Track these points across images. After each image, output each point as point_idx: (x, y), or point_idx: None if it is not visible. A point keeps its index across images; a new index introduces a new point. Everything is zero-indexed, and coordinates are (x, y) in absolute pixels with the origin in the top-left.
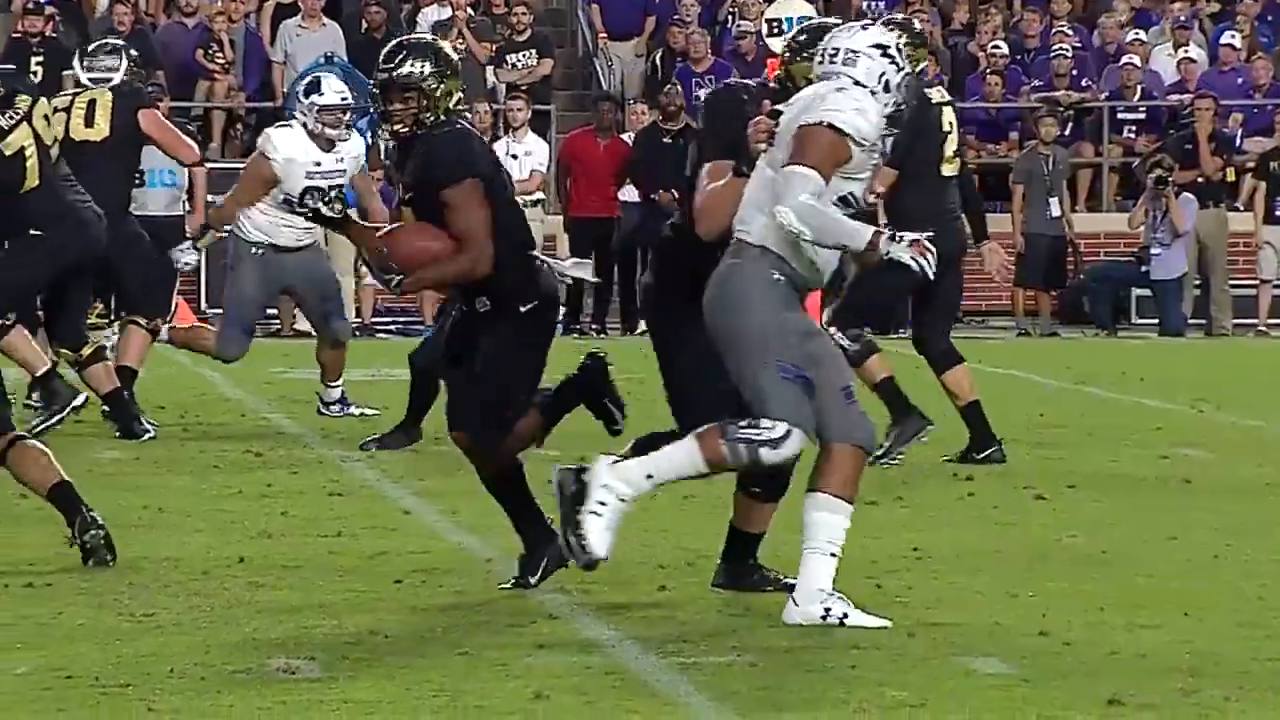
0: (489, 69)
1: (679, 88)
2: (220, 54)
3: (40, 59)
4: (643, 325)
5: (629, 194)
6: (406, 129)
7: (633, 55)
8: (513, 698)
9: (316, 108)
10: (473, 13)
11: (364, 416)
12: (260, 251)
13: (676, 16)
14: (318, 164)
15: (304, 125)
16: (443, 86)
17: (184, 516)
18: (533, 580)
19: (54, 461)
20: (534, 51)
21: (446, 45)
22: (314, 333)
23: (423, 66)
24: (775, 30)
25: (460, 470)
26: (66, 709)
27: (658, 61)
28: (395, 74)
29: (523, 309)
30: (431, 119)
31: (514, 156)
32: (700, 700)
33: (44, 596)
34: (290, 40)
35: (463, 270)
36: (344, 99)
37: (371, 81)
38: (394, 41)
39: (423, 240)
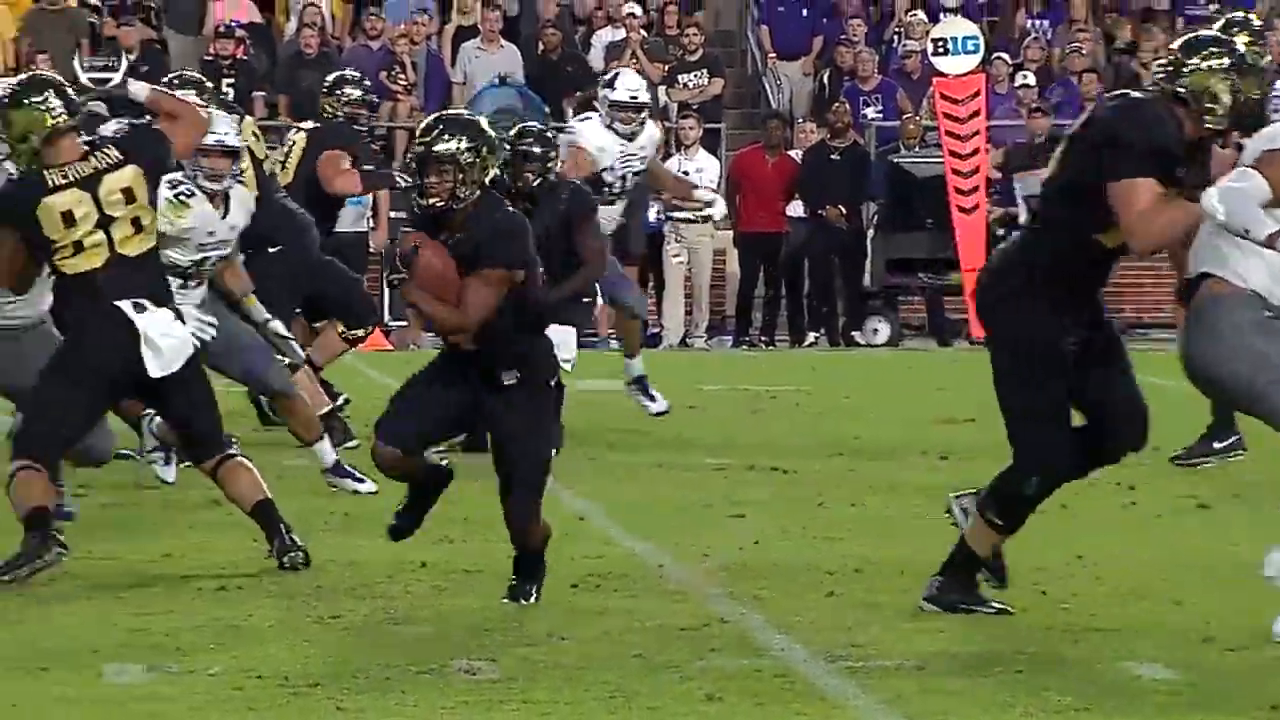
0: (661, 89)
1: (846, 105)
2: (403, 75)
3: (231, 81)
4: (811, 337)
5: (796, 209)
6: (442, 203)
7: (800, 74)
8: (685, 700)
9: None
10: (646, 34)
11: None
12: None
13: (844, 36)
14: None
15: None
16: (479, 162)
17: (370, 521)
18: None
19: (260, 480)
20: (705, 71)
21: (484, 122)
22: None
23: (459, 142)
24: (941, 50)
25: (632, 479)
26: (256, 708)
27: (825, 80)
28: (432, 149)
29: (550, 383)
30: (467, 193)
31: (685, 173)
32: (868, 703)
33: (235, 599)
34: (470, 62)
35: (451, 325)
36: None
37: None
38: (433, 117)
39: (447, 287)
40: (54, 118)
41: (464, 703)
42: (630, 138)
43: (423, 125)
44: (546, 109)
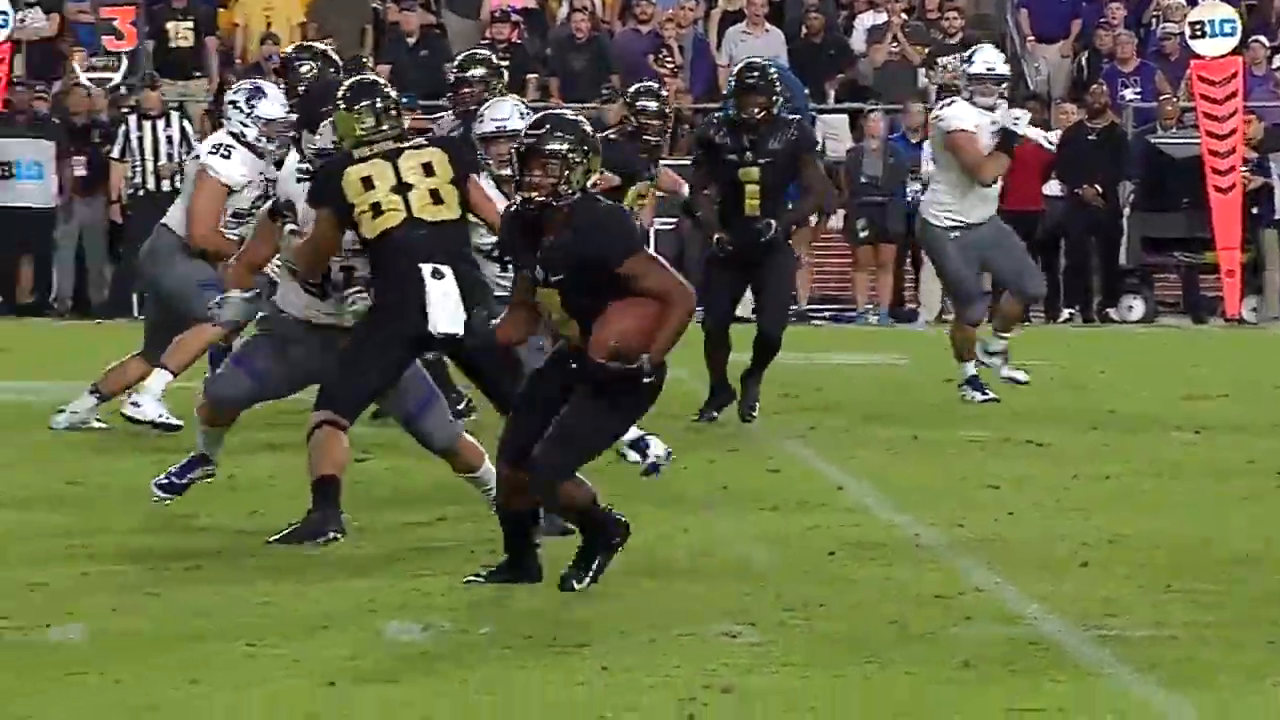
0: (920, 71)
1: (1104, 87)
2: (670, 58)
3: (505, 63)
4: (1066, 313)
5: (1053, 188)
6: (542, 198)
7: (1059, 56)
8: (940, 665)
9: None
10: (907, 17)
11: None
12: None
13: (1102, 19)
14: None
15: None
16: (584, 163)
17: (631, 492)
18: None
19: (345, 459)
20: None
21: (587, 124)
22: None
23: (567, 142)
24: (1198, 33)
25: (889, 452)
26: (526, 667)
27: (1084, 62)
28: (542, 145)
29: (646, 381)
30: (568, 192)
31: None
32: (1123, 671)
33: (564, 665)
34: (735, 45)
35: (684, 318)
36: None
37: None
38: (543, 115)
39: (637, 316)
40: (363, 128)
41: (724, 664)
42: (991, 109)
43: (532, 121)
44: (806, 90)
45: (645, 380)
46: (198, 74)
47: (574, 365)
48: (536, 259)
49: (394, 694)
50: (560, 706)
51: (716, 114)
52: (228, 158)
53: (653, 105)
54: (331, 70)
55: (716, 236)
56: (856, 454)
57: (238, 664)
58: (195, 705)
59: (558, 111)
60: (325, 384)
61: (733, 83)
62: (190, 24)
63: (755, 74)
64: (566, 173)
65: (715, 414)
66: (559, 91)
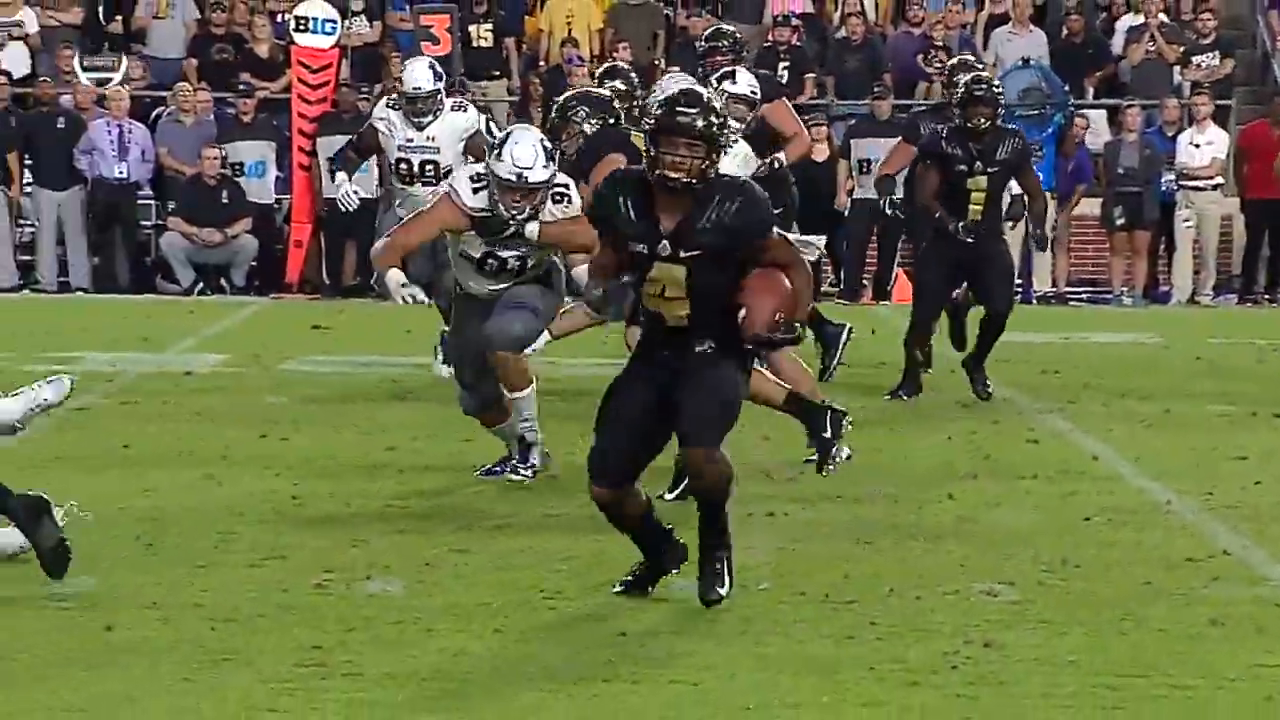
0: (1176, 69)
1: None
2: (939, 59)
3: (786, 65)
4: None
5: None
6: (687, 179)
7: None
8: (1190, 623)
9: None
10: (1165, 19)
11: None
12: None
13: None
14: None
15: None
16: (724, 140)
17: (904, 455)
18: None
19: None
20: (1217, 53)
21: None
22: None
23: (717, 120)
24: None
25: (1142, 424)
26: (802, 620)
27: None
28: (692, 123)
29: (746, 352)
30: (712, 173)
31: (1196, 145)
32: None
33: (780, 527)
34: (1001, 45)
35: (810, 282)
36: None
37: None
38: (684, 89)
39: (780, 287)
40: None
41: (985, 621)
42: None
43: (679, 98)
44: (1067, 88)
45: (784, 338)
46: (496, 74)
47: (667, 352)
48: (662, 235)
49: (679, 645)
50: (831, 659)
51: (942, 125)
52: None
53: (986, 96)
54: (610, 121)
55: (960, 224)
56: (1112, 427)
57: (538, 614)
58: (502, 654)
59: (697, 88)
60: None
61: (960, 92)
62: (490, 26)
63: (984, 86)
64: (714, 154)
65: (905, 396)
66: (834, 90)
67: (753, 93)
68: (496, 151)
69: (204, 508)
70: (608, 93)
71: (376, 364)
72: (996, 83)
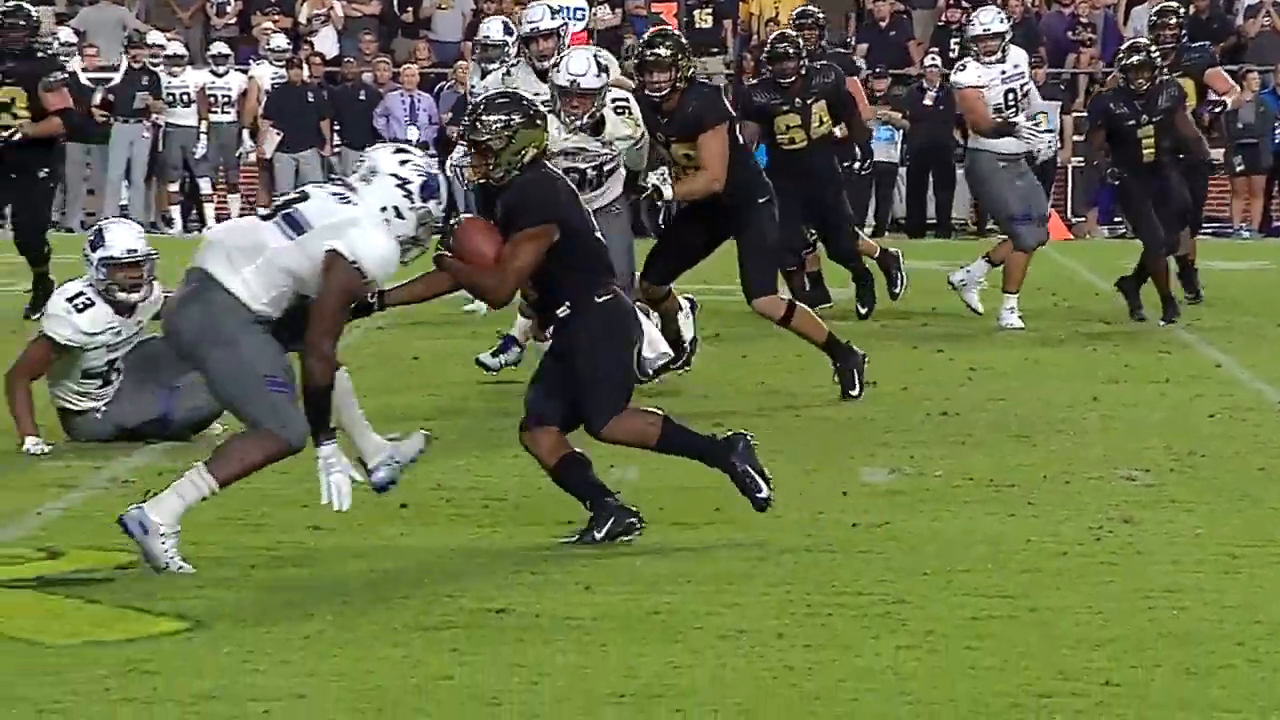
0: None
1: None
2: (1086, 32)
3: (957, 41)
4: None
5: None
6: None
7: None
8: None
9: None
10: None
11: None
12: None
13: None
14: None
15: None
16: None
17: (1056, 364)
18: (597, 535)
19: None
20: None
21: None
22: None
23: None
24: None
25: (1258, 335)
26: (970, 501)
27: None
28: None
29: (598, 300)
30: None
31: None
32: None
33: (951, 426)
34: (1139, 21)
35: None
36: None
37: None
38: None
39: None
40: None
41: (1125, 501)
42: None
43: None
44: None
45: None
46: (714, 50)
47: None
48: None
49: (873, 519)
50: (995, 536)
51: (1107, 89)
52: None
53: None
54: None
55: (1111, 169)
56: (1232, 339)
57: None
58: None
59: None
60: None
61: (1122, 58)
62: (710, 10)
63: (1140, 52)
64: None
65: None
66: None
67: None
68: (557, 67)
69: None
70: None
71: None
72: (1154, 49)
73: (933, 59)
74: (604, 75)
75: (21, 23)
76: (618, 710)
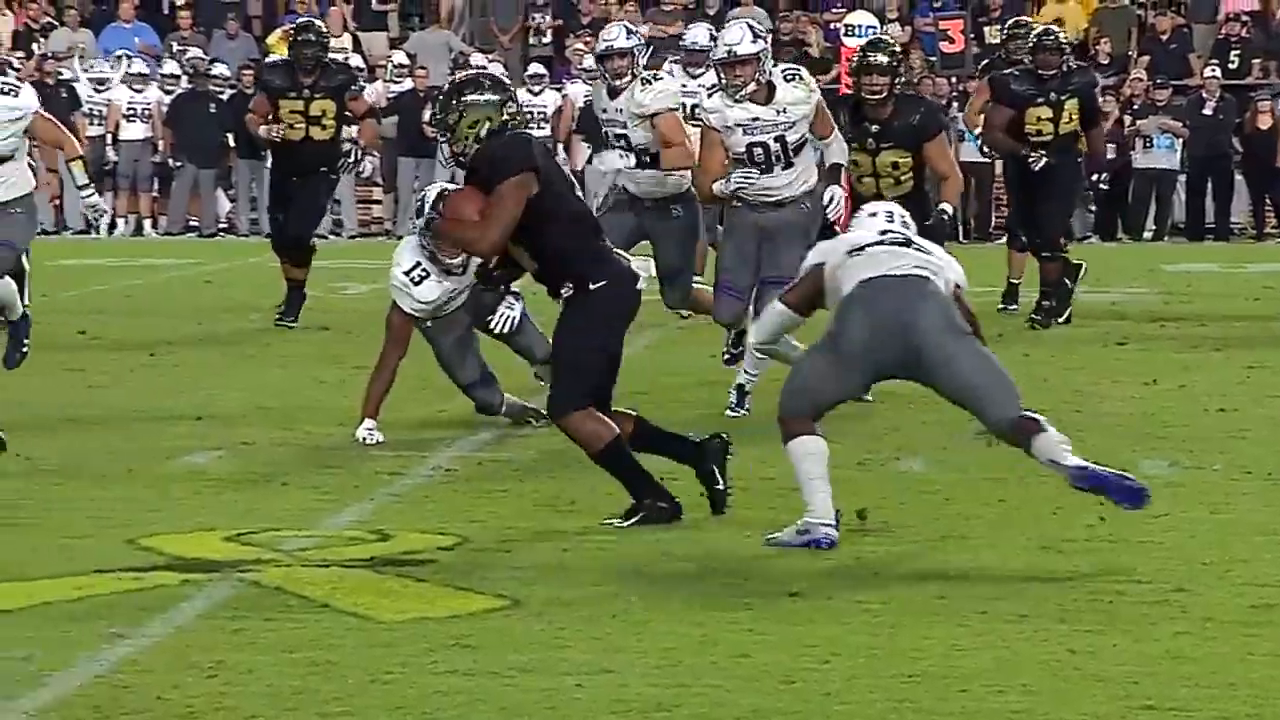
0: None
1: None
2: None
3: (1237, 53)
4: None
5: None
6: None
7: None
8: None
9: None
10: None
11: None
12: None
13: None
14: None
15: None
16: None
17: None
18: (621, 524)
19: None
20: None
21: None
22: None
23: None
24: None
25: None
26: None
27: None
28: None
29: (593, 287)
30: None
31: None
32: None
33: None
34: None
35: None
36: None
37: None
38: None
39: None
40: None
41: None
42: None
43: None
44: None
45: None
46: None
47: None
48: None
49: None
50: (1272, 527)
51: None
52: None
53: None
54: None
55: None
56: None
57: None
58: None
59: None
60: None
61: None
62: (1000, 28)
63: None
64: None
65: None
66: (1277, 72)
67: None
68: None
69: None
70: None
71: None
72: None
73: (1212, 70)
74: (759, 41)
75: (313, 38)
76: (907, 688)
